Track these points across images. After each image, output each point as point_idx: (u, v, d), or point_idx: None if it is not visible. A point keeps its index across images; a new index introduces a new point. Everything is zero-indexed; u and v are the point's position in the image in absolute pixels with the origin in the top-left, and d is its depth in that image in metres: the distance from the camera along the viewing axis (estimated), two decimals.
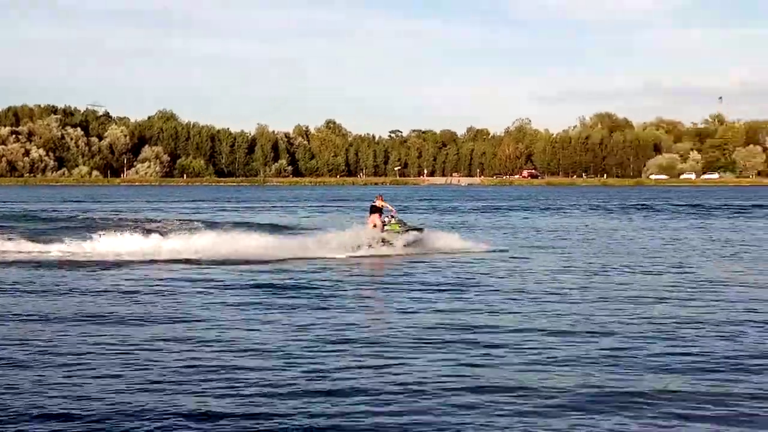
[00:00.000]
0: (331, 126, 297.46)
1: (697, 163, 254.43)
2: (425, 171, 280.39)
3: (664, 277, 28.62)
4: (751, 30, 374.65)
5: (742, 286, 26.08)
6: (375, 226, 38.29)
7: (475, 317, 20.32)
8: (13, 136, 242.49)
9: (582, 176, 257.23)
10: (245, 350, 16.54)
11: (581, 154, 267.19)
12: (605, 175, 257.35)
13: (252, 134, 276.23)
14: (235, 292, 24.44)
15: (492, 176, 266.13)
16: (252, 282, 26.55)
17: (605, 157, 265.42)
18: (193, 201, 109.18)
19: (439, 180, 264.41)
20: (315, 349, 16.71)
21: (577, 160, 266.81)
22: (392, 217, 38.94)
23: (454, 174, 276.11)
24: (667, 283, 26.87)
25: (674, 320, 20.03)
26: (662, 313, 21.02)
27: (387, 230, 38.13)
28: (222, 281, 26.81)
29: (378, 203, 38.96)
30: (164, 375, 14.60)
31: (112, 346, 16.85)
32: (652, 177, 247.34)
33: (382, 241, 37.52)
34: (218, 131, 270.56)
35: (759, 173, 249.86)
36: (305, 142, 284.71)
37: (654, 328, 19.03)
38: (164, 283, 26.55)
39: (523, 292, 24.57)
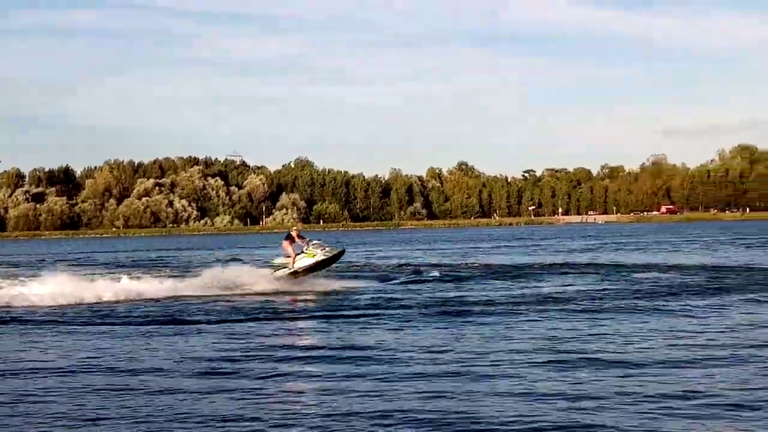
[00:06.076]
0: (464, 168, 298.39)
1: None
2: (560, 210, 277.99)
3: None
4: None
5: None
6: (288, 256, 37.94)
7: None
8: (157, 187, 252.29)
9: (725, 211, 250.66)
10: None
11: (721, 188, 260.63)
12: (747, 209, 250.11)
13: (386, 179, 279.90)
14: None
15: (629, 213, 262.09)
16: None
17: (746, 191, 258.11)
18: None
19: (574, 219, 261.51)
20: None
21: (716, 195, 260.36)
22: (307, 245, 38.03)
23: (590, 212, 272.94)
24: None
25: None
26: None
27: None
28: None
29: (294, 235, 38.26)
30: None
31: None
32: None
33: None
34: (352, 177, 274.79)
35: None
36: (438, 184, 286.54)
37: None
38: None
39: None
